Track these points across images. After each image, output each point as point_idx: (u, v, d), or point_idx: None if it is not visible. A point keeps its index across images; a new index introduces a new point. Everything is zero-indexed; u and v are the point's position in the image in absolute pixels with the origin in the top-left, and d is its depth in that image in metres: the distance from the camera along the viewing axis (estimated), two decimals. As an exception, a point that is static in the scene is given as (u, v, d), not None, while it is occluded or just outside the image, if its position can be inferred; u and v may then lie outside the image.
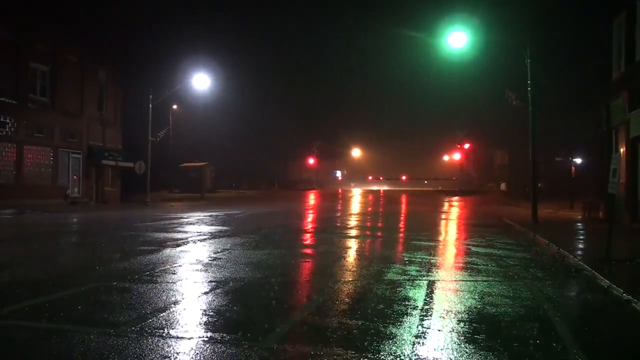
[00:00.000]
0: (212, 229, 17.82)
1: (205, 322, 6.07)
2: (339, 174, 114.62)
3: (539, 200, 20.83)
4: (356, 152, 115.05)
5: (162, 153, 50.15)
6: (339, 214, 27.58)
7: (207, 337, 5.47)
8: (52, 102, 32.32)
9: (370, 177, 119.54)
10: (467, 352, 5.09)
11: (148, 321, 6.00)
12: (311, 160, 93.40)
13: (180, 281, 8.57)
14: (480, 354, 5.05)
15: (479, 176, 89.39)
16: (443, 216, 27.81)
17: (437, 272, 9.83)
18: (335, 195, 57.60)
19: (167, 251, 11.95)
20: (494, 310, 6.78)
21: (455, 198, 51.11)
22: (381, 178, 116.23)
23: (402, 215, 28.10)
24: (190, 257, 11.19)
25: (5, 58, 28.94)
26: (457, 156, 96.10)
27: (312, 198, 49.99)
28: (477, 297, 7.57)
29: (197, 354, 4.99)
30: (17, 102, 29.53)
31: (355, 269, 10.40)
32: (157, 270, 9.32)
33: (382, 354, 5.01)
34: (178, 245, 13.00)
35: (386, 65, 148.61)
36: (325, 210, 31.24)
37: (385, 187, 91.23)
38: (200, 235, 15.61)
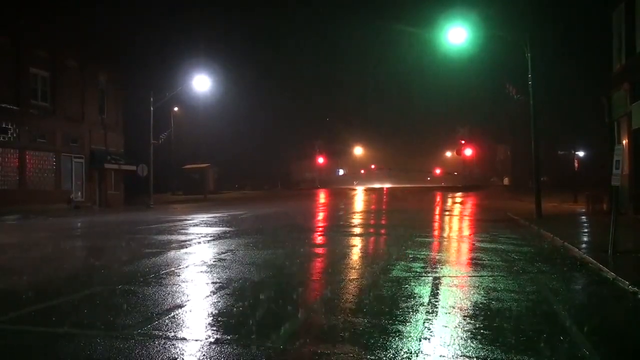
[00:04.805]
0: (215, 230, 17.82)
1: (212, 323, 6.07)
2: (341, 172, 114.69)
3: (543, 194, 20.77)
4: (358, 150, 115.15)
5: (165, 155, 50.26)
6: (342, 213, 27.56)
7: (214, 338, 5.48)
8: (53, 108, 32.36)
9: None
10: (473, 348, 5.09)
11: (154, 323, 6.01)
12: (314, 159, 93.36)
13: (186, 283, 8.58)
14: (486, 349, 5.04)
15: (481, 171, 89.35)
16: (447, 212, 27.78)
17: (442, 268, 9.82)
18: (338, 193, 57.57)
19: (172, 253, 11.96)
20: (499, 305, 6.77)
21: (459, 194, 51.02)
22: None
23: (406, 212, 28.05)
24: (194, 258, 11.20)
25: (5, 64, 28.97)
26: (459, 152, 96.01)
27: (315, 197, 49.98)
28: (482, 292, 7.56)
29: (204, 355, 4.99)
30: (18, 108, 29.57)
31: (360, 266, 10.39)
32: (162, 273, 9.33)
33: (389, 350, 5.01)
34: (182, 247, 13.01)
35: (387, 62, 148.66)
36: (329, 209, 31.24)
37: (388, 185, 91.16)
38: (204, 236, 15.62)
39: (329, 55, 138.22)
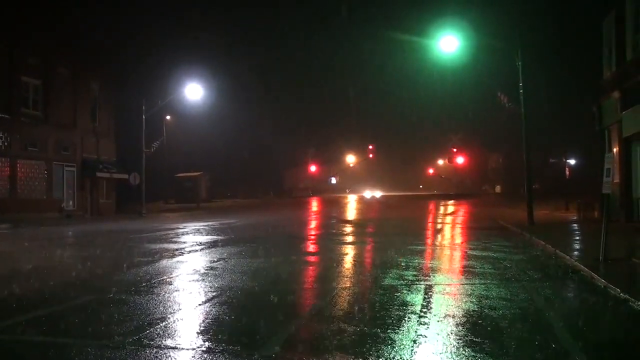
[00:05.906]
0: (208, 238, 17.77)
1: (203, 332, 6.04)
2: (334, 180, 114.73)
3: (534, 202, 20.85)
4: (351, 159, 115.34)
5: (157, 164, 50.04)
6: (335, 221, 27.55)
7: (205, 347, 5.45)
8: (45, 116, 32.26)
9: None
10: (465, 356, 5.09)
11: (146, 332, 5.97)
12: (306, 168, 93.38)
13: (177, 291, 8.54)
14: (479, 357, 5.04)
15: (474, 179, 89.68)
16: (439, 220, 27.82)
17: (434, 276, 9.82)
18: (331, 202, 57.56)
19: (164, 262, 11.90)
20: (491, 313, 6.78)
21: (451, 202, 51.13)
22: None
23: (398, 220, 28.06)
24: (186, 267, 11.15)
25: (-3, 72, 28.90)
26: (451, 160, 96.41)
27: (307, 205, 49.93)
28: (474, 300, 7.56)
29: (196, 364, 4.96)
30: (10, 116, 29.46)
31: (352, 275, 10.38)
32: (153, 281, 9.28)
33: (381, 358, 5.00)
34: (174, 256, 12.95)
35: (378, 70, 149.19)
36: (322, 217, 31.21)
37: (380, 193, 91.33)
38: (196, 245, 15.57)
39: (322, 63, 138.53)
